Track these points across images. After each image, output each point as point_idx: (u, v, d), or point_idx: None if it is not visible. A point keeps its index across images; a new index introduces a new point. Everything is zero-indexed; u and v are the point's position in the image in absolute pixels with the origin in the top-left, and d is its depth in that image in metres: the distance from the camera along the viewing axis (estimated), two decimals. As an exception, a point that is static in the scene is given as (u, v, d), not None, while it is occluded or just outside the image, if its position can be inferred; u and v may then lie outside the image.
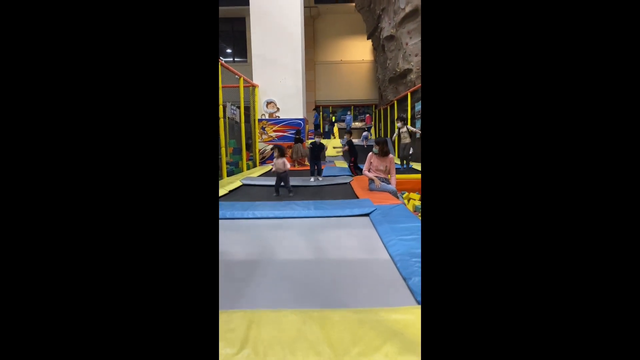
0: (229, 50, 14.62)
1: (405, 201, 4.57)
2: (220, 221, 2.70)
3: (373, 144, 4.09)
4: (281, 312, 1.28)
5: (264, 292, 1.50)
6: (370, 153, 4.02)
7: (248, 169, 6.93)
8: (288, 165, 4.06)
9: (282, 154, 4.07)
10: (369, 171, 3.99)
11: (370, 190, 3.92)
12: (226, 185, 4.42)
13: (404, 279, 1.55)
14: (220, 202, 3.38)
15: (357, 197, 3.72)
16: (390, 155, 4.02)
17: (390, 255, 1.84)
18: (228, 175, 5.70)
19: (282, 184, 3.99)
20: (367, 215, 2.75)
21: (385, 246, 1.99)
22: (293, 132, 7.52)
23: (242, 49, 14.29)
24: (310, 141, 5.93)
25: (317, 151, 4.90)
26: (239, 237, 2.34)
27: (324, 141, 6.17)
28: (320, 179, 4.87)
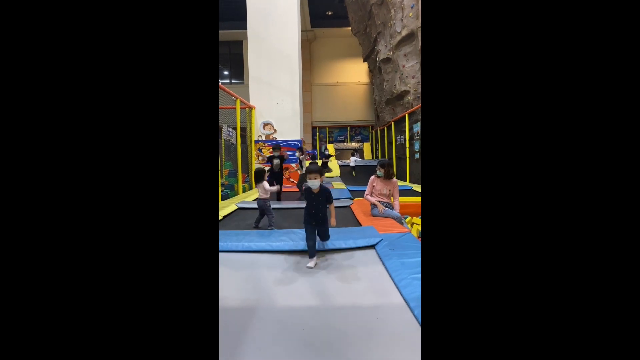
0: (226, 72, 14.72)
1: (409, 226, 4.36)
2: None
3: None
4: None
5: (262, 350, 1.26)
6: (373, 176, 3.83)
7: (244, 191, 6.72)
8: (267, 192, 3.17)
9: (259, 178, 3.17)
10: (371, 195, 3.80)
11: (373, 215, 3.72)
12: (221, 210, 4.19)
13: (425, 333, 1.32)
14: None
15: (359, 223, 3.51)
16: (394, 179, 3.84)
17: (404, 298, 1.62)
18: (223, 199, 5.48)
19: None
20: (372, 246, 2.54)
21: (397, 287, 1.76)
22: (290, 153, 7.34)
23: (239, 71, 14.41)
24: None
25: (318, 203, 2.32)
26: (232, 275, 2.11)
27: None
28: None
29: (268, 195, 3.23)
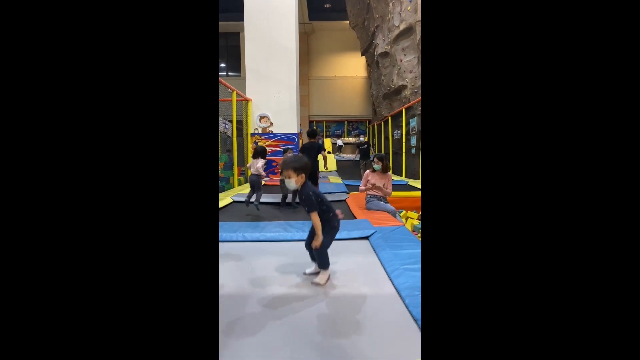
0: (222, 65, 14.60)
1: (403, 220, 4.39)
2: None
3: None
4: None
5: (254, 337, 1.27)
6: (368, 171, 3.86)
7: (240, 184, 6.71)
8: (262, 173, 3.50)
9: (260, 154, 3.45)
10: (365, 187, 3.82)
11: (368, 209, 3.74)
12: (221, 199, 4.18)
13: (415, 321, 1.34)
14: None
15: (354, 217, 3.53)
16: (389, 173, 3.86)
17: (396, 288, 1.64)
18: (219, 192, 5.47)
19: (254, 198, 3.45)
20: (366, 238, 2.56)
21: (389, 277, 1.78)
22: (286, 147, 7.33)
23: (236, 64, 14.30)
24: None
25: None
26: (226, 264, 2.12)
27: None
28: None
29: (260, 173, 3.52)
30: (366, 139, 6.82)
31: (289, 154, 4.30)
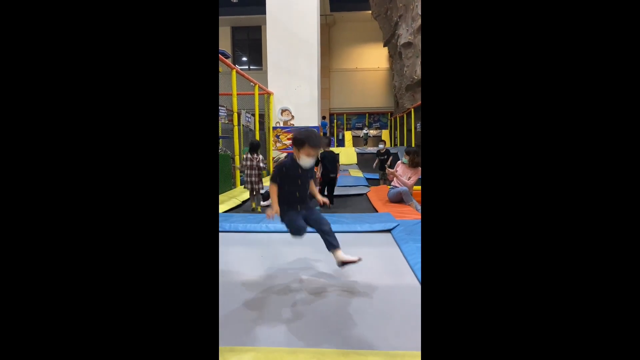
0: (244, 59, 14.75)
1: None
2: (230, 234, 2.56)
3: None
4: (296, 354, 1.10)
5: (275, 324, 1.32)
6: (399, 161, 3.89)
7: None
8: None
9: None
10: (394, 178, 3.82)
11: (390, 197, 3.73)
12: (239, 195, 4.29)
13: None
14: (232, 214, 3.24)
15: (376, 210, 3.52)
16: (419, 168, 3.80)
17: (419, 280, 1.63)
18: (241, 184, 5.58)
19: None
20: (388, 231, 2.55)
21: (412, 269, 1.78)
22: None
23: (257, 57, 14.40)
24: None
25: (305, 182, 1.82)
26: (249, 254, 2.18)
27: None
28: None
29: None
30: (387, 146, 6.03)
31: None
